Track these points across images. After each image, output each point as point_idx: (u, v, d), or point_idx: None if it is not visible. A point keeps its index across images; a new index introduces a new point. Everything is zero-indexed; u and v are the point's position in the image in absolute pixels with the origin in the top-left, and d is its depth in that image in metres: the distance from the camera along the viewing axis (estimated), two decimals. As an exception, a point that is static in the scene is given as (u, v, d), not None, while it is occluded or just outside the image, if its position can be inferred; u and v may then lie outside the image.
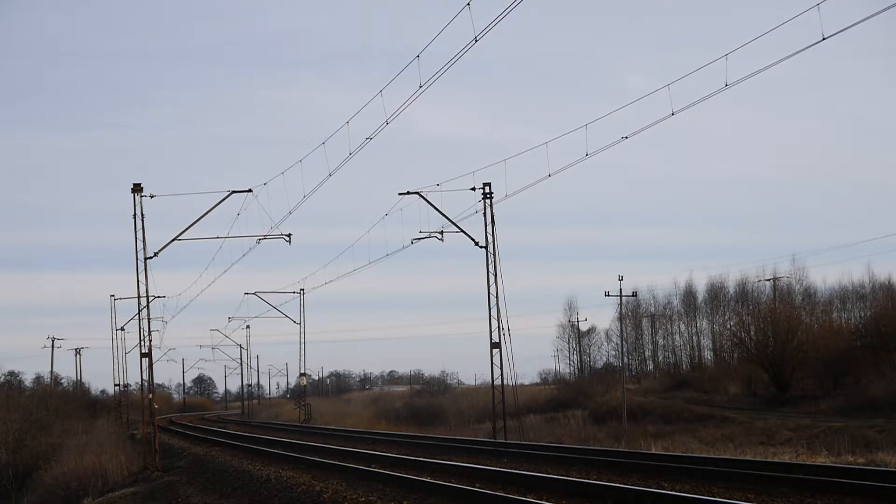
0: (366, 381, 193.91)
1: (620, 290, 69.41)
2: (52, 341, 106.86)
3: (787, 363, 68.99)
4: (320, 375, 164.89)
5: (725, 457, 27.03)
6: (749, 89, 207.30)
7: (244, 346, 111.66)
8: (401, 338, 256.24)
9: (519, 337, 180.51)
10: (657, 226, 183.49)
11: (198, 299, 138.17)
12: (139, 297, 37.27)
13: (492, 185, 39.95)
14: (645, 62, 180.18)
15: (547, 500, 17.28)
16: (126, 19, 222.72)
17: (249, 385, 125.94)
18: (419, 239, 42.15)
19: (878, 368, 61.94)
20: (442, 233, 41.46)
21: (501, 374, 40.63)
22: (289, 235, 41.48)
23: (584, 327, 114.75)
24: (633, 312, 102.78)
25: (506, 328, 40.13)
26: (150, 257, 37.21)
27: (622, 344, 79.76)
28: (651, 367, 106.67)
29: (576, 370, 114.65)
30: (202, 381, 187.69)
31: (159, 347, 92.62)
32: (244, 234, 41.41)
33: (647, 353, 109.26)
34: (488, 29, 20.94)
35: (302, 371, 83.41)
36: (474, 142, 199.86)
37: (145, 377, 37.81)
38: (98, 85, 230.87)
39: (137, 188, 36.29)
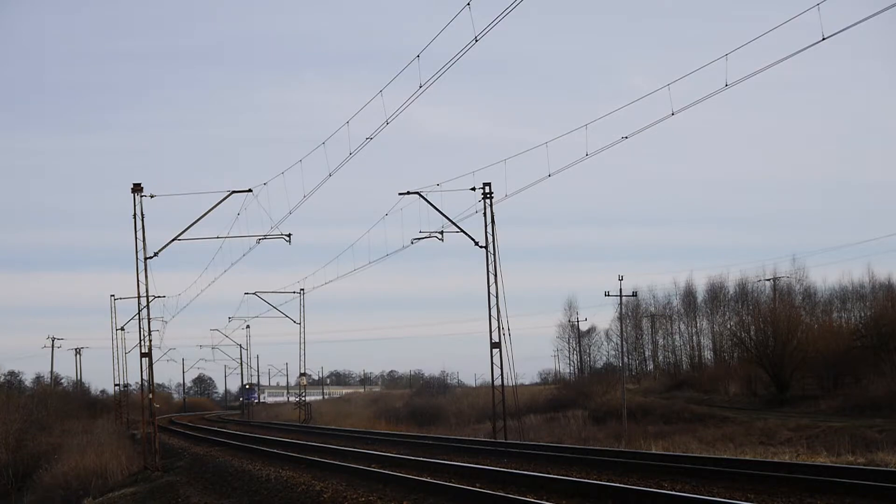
0: (366, 380, 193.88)
1: (620, 290, 69.43)
2: (52, 341, 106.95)
3: (787, 363, 68.97)
4: (320, 375, 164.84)
5: (725, 457, 26.99)
6: (749, 89, 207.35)
7: (244, 346, 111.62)
8: (401, 338, 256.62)
9: (519, 337, 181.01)
10: (657, 226, 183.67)
11: (198, 299, 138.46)
12: (139, 297, 37.30)
13: (492, 185, 40.02)
14: (645, 62, 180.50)
15: (547, 500, 17.27)
16: (126, 20, 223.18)
17: (249, 385, 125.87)
18: (419, 239, 42.19)
19: (878, 368, 61.94)
20: (442, 233, 41.47)
21: (501, 374, 40.66)
22: (289, 235, 41.52)
23: (584, 327, 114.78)
24: (633, 312, 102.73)
25: (506, 328, 40.18)
26: (150, 257, 37.26)
27: (622, 344, 79.79)
28: (651, 367, 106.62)
29: (576, 370, 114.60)
30: (202, 381, 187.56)
31: (159, 347, 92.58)
32: (244, 234, 41.46)
33: (647, 353, 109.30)
34: (488, 29, 20.98)
35: (302, 371, 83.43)
36: (474, 142, 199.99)
37: (145, 377, 37.84)
38: (98, 85, 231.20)
39: (137, 188, 36.30)
